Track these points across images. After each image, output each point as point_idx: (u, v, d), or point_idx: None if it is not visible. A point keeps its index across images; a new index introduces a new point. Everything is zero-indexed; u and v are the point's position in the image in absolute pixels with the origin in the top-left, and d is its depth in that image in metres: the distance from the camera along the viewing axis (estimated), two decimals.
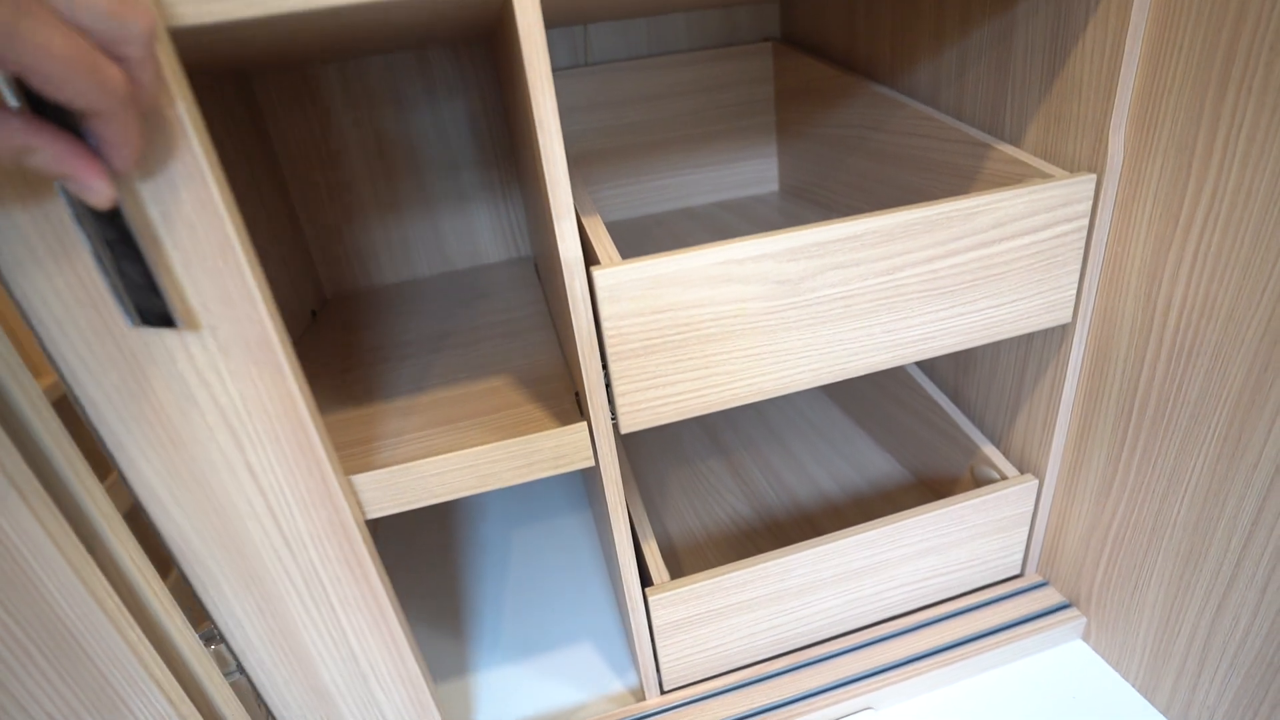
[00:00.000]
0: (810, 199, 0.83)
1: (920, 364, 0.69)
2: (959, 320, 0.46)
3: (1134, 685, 0.53)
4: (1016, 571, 0.61)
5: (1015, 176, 0.49)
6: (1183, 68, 0.40)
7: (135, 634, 0.40)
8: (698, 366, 0.41)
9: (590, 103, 0.82)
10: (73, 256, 0.31)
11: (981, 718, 0.53)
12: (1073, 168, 0.47)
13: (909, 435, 0.71)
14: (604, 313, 0.38)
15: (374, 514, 0.43)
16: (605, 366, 0.40)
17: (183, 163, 0.30)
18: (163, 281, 0.31)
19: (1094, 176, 0.45)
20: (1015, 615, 0.58)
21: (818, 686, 0.54)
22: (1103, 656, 0.56)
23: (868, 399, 0.78)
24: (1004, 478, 0.57)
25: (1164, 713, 0.51)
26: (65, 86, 0.23)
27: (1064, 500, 0.56)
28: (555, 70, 0.80)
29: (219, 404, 0.36)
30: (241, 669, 0.45)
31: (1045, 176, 0.46)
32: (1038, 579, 0.61)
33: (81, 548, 0.37)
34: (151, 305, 0.32)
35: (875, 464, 0.75)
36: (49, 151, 0.25)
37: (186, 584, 0.41)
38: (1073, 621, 0.57)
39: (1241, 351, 0.40)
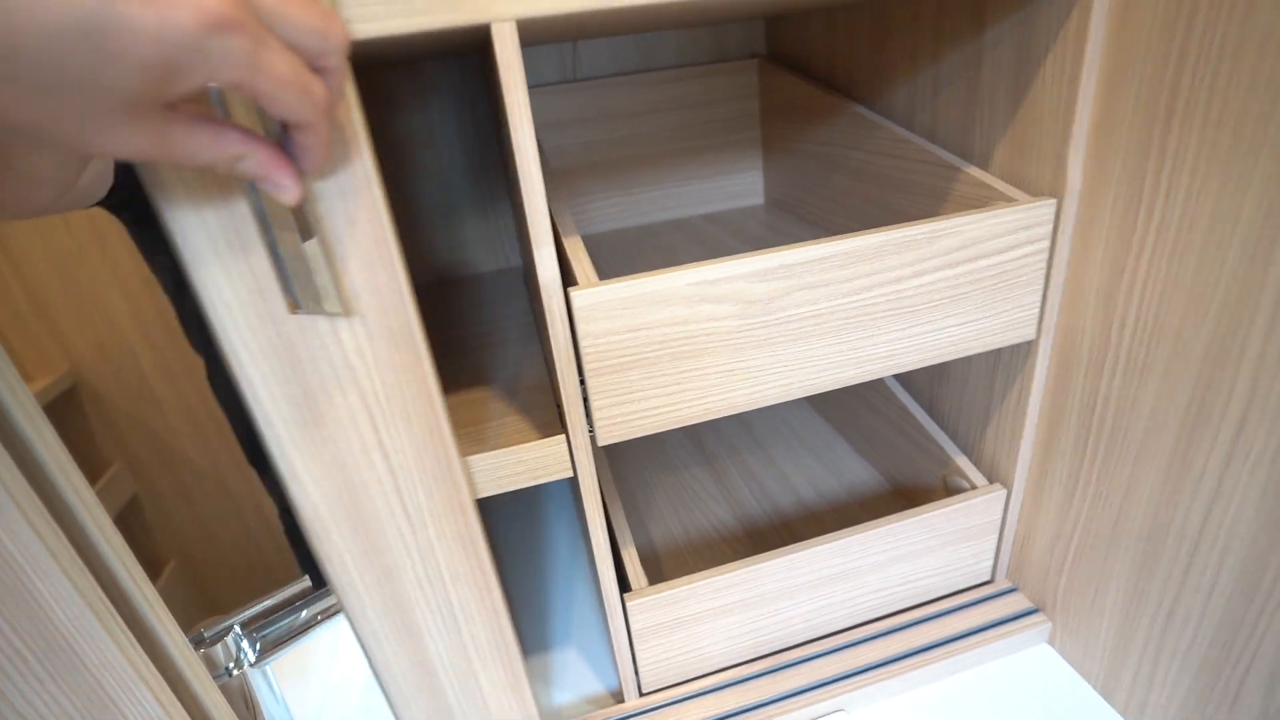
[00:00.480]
0: (794, 213, 0.85)
1: (897, 376, 0.71)
2: (926, 338, 0.48)
3: (1094, 686, 0.55)
4: (987, 578, 0.63)
5: (982, 199, 0.51)
6: (1133, 103, 0.42)
7: (127, 638, 0.41)
8: (672, 382, 0.43)
9: (579, 117, 0.84)
10: (248, 250, 0.34)
11: (950, 719, 0.55)
12: (1035, 192, 0.49)
13: (886, 445, 0.73)
14: (581, 331, 0.40)
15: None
16: (583, 381, 0.42)
17: (350, 164, 0.33)
18: (338, 268, 0.35)
19: (1054, 201, 0.47)
20: (984, 620, 0.60)
21: (792, 689, 0.56)
22: (1066, 659, 0.58)
23: (848, 409, 0.80)
24: (974, 487, 0.59)
25: (1121, 713, 0.53)
26: (287, 104, 0.26)
27: (1031, 509, 0.58)
28: (544, 85, 0.82)
29: (360, 386, 0.38)
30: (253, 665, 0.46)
31: (1009, 200, 0.48)
32: (1007, 585, 0.63)
33: (74, 553, 0.38)
34: (306, 294, 0.35)
35: (854, 472, 0.77)
36: (256, 158, 0.28)
37: (315, 558, 0.43)
38: (1038, 626, 0.59)
39: (1188, 370, 0.42)
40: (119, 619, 0.41)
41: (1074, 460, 0.53)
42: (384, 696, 0.49)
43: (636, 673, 0.56)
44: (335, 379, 0.38)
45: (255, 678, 0.52)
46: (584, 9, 0.35)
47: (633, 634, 0.53)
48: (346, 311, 0.36)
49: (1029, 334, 0.51)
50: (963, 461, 0.61)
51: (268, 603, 0.54)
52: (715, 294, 0.41)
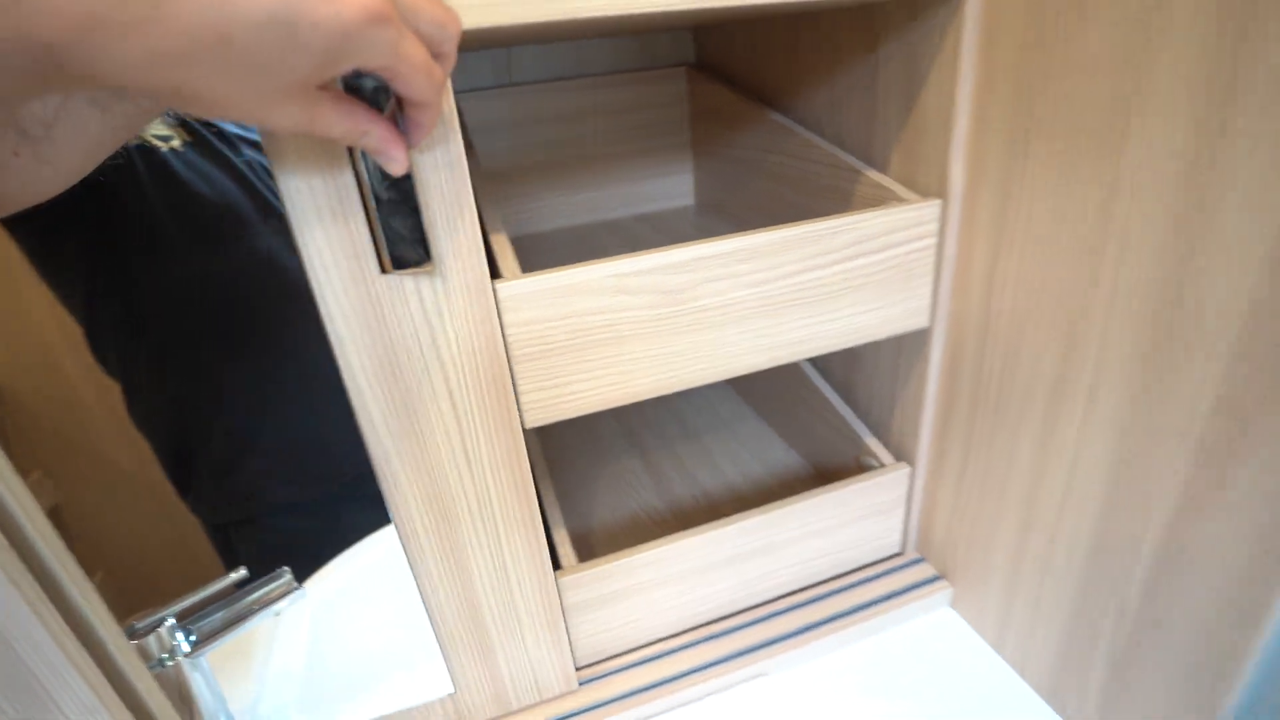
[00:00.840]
0: (722, 214, 0.90)
1: (816, 364, 0.76)
2: (828, 325, 0.52)
3: (988, 641, 0.61)
4: (897, 550, 0.69)
5: (880, 199, 0.56)
6: (1000, 115, 0.47)
7: (60, 626, 0.42)
8: (593, 368, 0.46)
9: (514, 120, 0.86)
10: (347, 215, 0.38)
11: (863, 678, 0.59)
12: (925, 193, 0.54)
13: (807, 430, 0.78)
14: (506, 320, 0.42)
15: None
16: (510, 368, 0.45)
17: (446, 141, 0.38)
18: (429, 232, 0.39)
19: (939, 202, 0.52)
20: (893, 588, 0.65)
21: (717, 657, 0.60)
22: (966, 620, 0.63)
23: (773, 397, 0.85)
24: (883, 466, 0.64)
25: (1010, 663, 0.58)
26: (417, 85, 0.30)
27: (933, 484, 0.64)
28: (480, 89, 0.84)
29: (436, 341, 0.42)
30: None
31: (901, 200, 0.53)
32: (915, 556, 0.68)
33: (6, 543, 0.39)
34: (404, 254, 0.39)
35: (779, 457, 0.82)
36: (377, 133, 0.32)
37: (383, 504, 0.46)
38: (942, 591, 0.64)
39: (1049, 350, 0.47)
40: (52, 608, 0.42)
41: (966, 437, 0.58)
42: (436, 641, 0.53)
43: (571, 649, 0.58)
44: (414, 333, 0.42)
45: (190, 668, 0.53)
46: (524, 21, 0.38)
47: (564, 610, 0.56)
48: (431, 270, 0.40)
49: (923, 322, 0.56)
50: (873, 442, 0.66)
51: (204, 594, 0.55)
52: (631, 285, 0.45)
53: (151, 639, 0.51)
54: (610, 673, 0.59)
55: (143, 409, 0.88)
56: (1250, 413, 0.36)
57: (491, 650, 0.55)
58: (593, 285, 0.43)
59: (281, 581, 0.58)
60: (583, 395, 0.47)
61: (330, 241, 0.38)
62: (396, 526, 0.47)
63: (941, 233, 0.53)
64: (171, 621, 0.52)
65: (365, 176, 0.36)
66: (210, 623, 0.54)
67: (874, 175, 0.57)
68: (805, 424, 0.78)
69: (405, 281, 0.40)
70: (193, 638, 0.53)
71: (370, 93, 0.33)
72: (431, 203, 0.39)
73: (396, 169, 0.34)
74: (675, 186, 0.97)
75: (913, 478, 0.64)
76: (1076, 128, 0.42)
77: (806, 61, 0.66)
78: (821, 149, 0.63)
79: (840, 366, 0.72)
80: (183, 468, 0.92)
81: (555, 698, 0.59)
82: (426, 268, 0.40)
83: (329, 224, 0.37)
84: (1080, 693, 0.52)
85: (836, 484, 0.61)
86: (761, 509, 0.59)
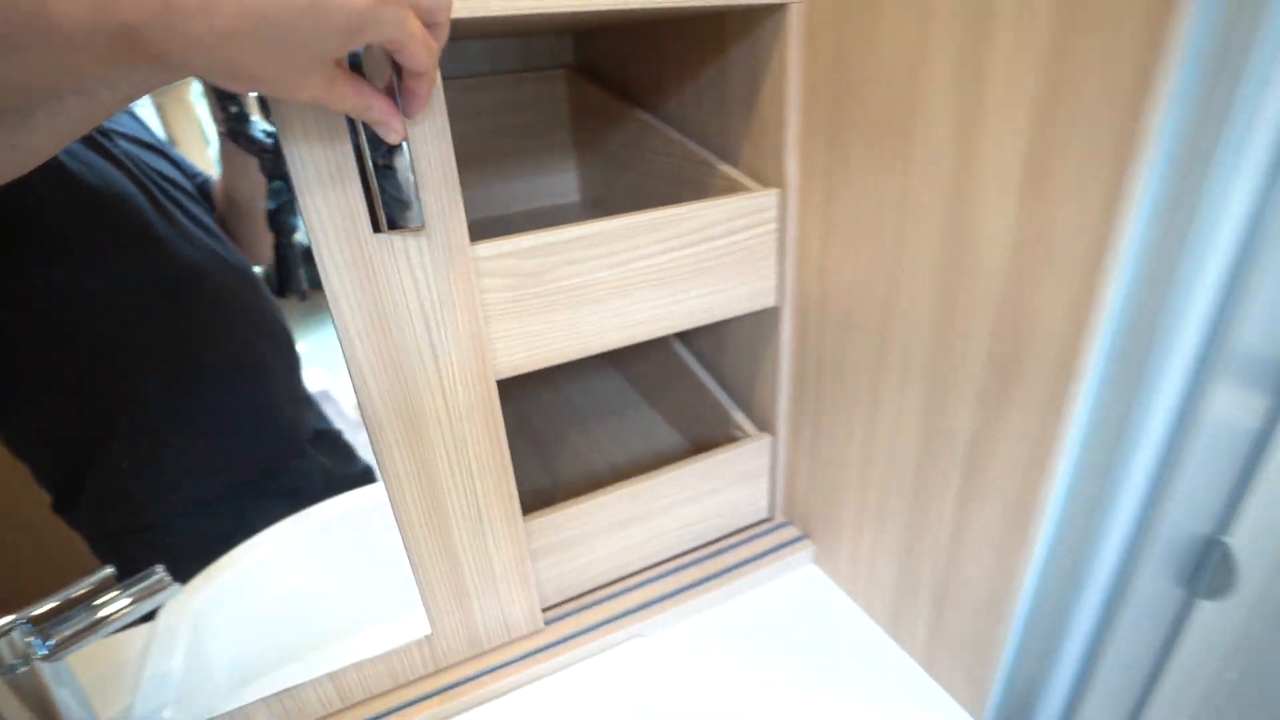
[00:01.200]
0: (604, 209, 0.94)
1: (689, 346, 0.81)
2: (681, 304, 0.57)
3: (843, 589, 0.67)
4: (765, 515, 0.74)
5: (731, 190, 0.61)
6: (821, 115, 0.53)
7: None
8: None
9: None
10: (343, 180, 0.42)
11: (734, 632, 0.64)
12: (767, 184, 0.60)
13: (685, 409, 0.83)
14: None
15: None
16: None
17: (433, 110, 0.42)
18: (420, 195, 0.43)
19: (776, 192, 0.57)
20: (761, 550, 0.71)
21: (597, 621, 0.63)
22: (826, 573, 0.70)
23: (655, 381, 0.90)
24: (747, 437, 0.70)
25: (861, 605, 0.65)
26: (418, 55, 0.34)
27: (793, 452, 0.70)
28: None
29: (420, 295, 0.47)
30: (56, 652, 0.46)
31: (746, 190, 0.59)
32: (782, 520, 0.75)
33: None
34: (396, 215, 0.43)
35: (662, 437, 0.86)
36: (380, 105, 0.36)
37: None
38: (805, 550, 0.70)
39: (871, 322, 0.54)
40: None
41: (815, 406, 0.64)
42: (415, 583, 0.56)
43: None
44: (401, 288, 0.46)
45: (49, 674, 0.52)
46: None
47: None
48: (418, 231, 0.44)
49: (771, 301, 0.61)
50: (740, 417, 0.72)
51: (66, 596, 0.53)
52: (490, 269, 0.47)
53: (3, 644, 0.49)
54: (493, 648, 0.62)
55: (15, 430, 0.83)
56: (1009, 365, 0.43)
57: (466, 592, 0.58)
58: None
59: (152, 580, 0.57)
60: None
61: (329, 202, 0.42)
62: (382, 473, 0.51)
63: (782, 219, 0.59)
64: (25, 625, 0.50)
65: (364, 145, 0.40)
66: (70, 625, 0.52)
67: (726, 168, 0.62)
68: (683, 404, 0.83)
69: (395, 240, 0.44)
70: (51, 642, 0.51)
71: (369, 68, 0.38)
72: (422, 169, 0.43)
73: (394, 137, 0.39)
74: (561, 183, 1.00)
75: (774, 446, 0.70)
76: (878, 126, 0.48)
77: (672, 65, 0.71)
78: (683, 145, 0.68)
79: (710, 348, 0.77)
80: (72, 479, 0.87)
81: (524, 636, 0.63)
82: (416, 228, 0.44)
83: (327, 186, 0.42)
84: (912, 627, 0.59)
85: (702, 455, 0.66)
86: (639, 478, 0.64)
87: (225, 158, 0.53)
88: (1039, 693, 0.54)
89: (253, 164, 0.54)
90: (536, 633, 0.63)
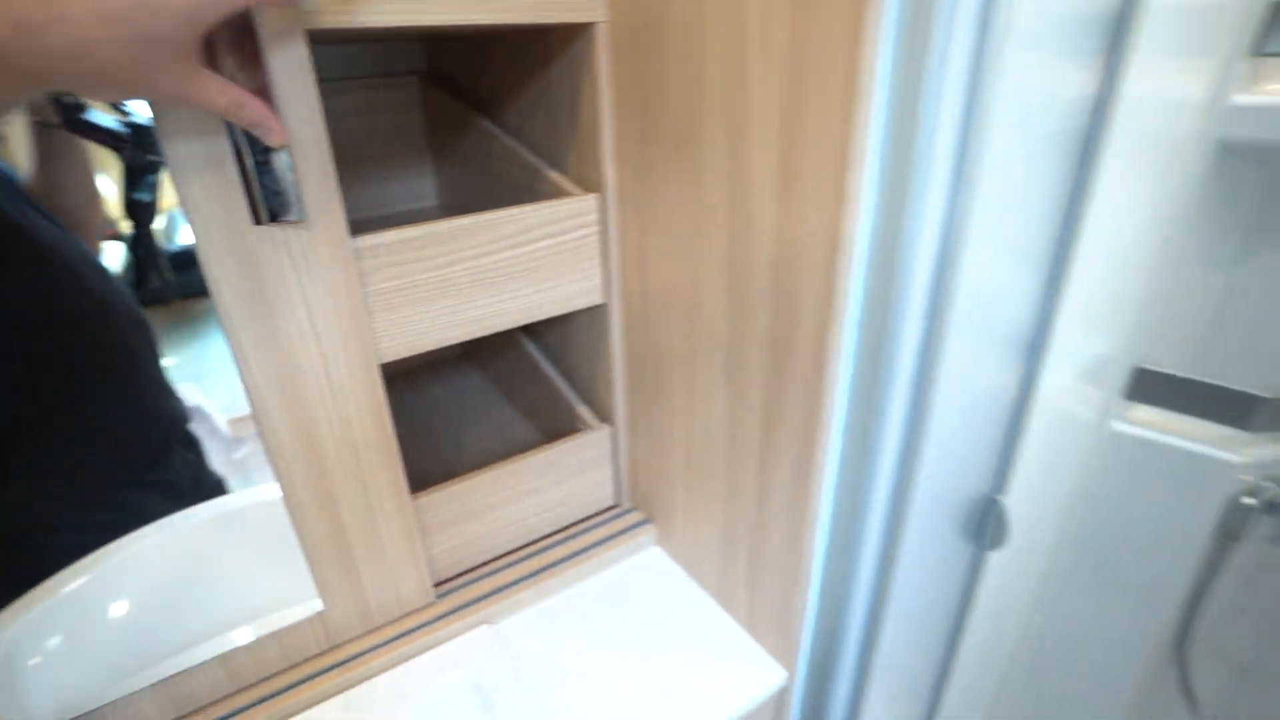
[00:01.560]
0: (460, 213, 0.95)
1: (538, 344, 0.84)
2: (510, 303, 0.60)
3: (681, 566, 0.72)
4: (610, 503, 0.78)
5: (558, 195, 0.65)
6: (632, 123, 0.58)
7: None
8: None
9: None
10: (222, 174, 0.43)
11: (583, 611, 0.68)
12: (590, 189, 0.64)
13: (539, 405, 0.86)
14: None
15: None
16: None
17: (309, 106, 0.45)
18: (299, 189, 0.45)
19: (596, 196, 0.62)
20: (606, 535, 0.75)
21: (444, 611, 0.65)
22: (667, 553, 0.75)
23: (511, 379, 0.92)
24: (589, 428, 0.74)
25: (696, 580, 0.70)
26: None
27: (632, 440, 0.74)
28: None
29: (303, 285, 0.49)
30: None
31: (569, 195, 0.63)
32: (628, 506, 0.79)
33: None
34: (276, 208, 0.44)
35: (520, 434, 0.89)
36: (253, 106, 0.39)
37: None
38: (648, 533, 0.75)
39: (682, 319, 0.59)
40: None
41: (647, 396, 0.69)
42: (306, 565, 0.57)
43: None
44: (282, 278, 0.48)
45: None
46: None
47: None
48: (299, 223, 0.46)
49: (599, 298, 0.66)
50: (583, 410, 0.76)
51: None
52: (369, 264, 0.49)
53: None
54: (356, 637, 0.62)
55: None
56: (784, 345, 0.49)
57: (356, 567, 0.60)
58: None
59: None
60: None
61: (209, 196, 0.43)
62: (269, 456, 0.52)
63: (604, 221, 0.63)
64: None
65: (240, 142, 0.42)
66: None
67: (554, 175, 0.66)
68: (535, 401, 0.86)
69: (275, 233, 0.46)
70: None
71: (236, 68, 0.40)
72: (300, 163, 0.45)
73: (275, 139, 0.41)
74: (420, 189, 1.01)
75: (615, 436, 0.74)
76: (675, 137, 0.53)
77: (510, 76, 0.74)
78: (516, 153, 0.71)
79: (557, 345, 0.81)
80: None
81: (416, 609, 0.65)
82: (297, 221, 0.46)
83: (208, 181, 0.43)
84: (736, 594, 0.65)
85: (544, 447, 0.70)
86: (484, 470, 0.66)
87: (49, 149, 0.51)
88: (839, 644, 0.61)
89: (77, 151, 0.53)
90: (429, 605, 0.65)
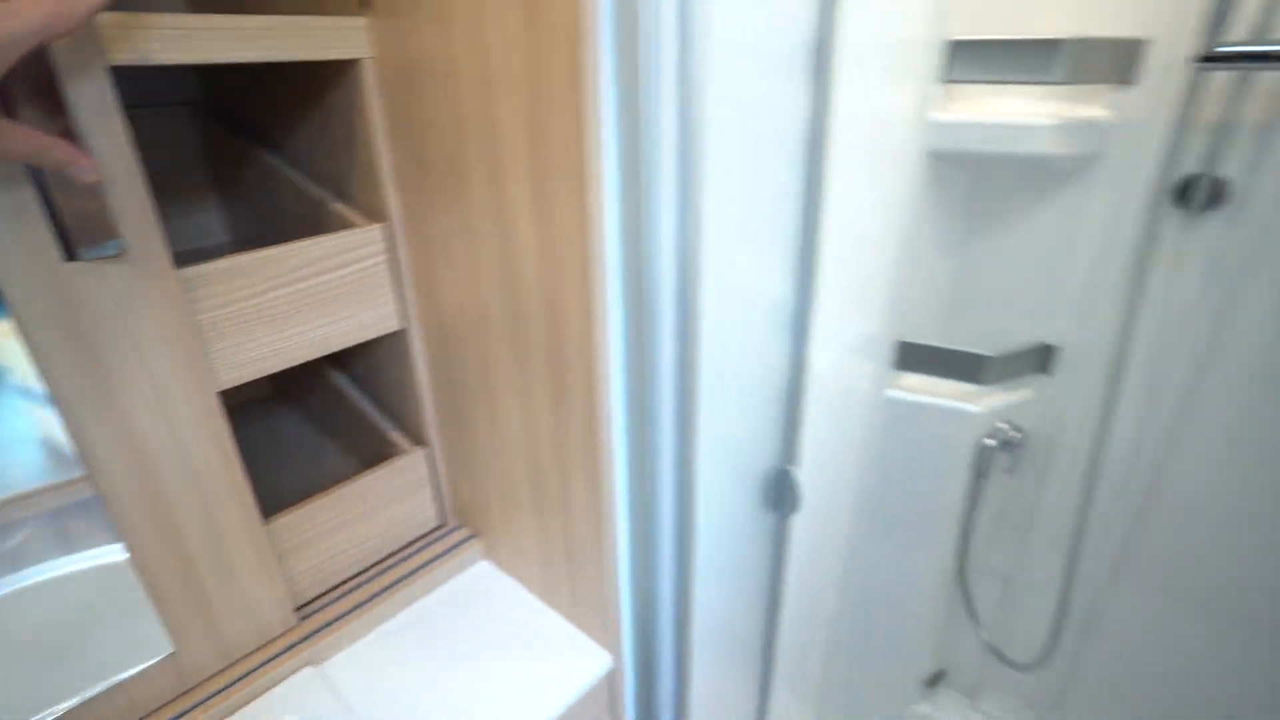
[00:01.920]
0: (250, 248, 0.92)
1: (348, 375, 0.83)
2: (302, 336, 0.60)
3: (508, 573, 0.75)
4: (436, 524, 0.80)
5: (343, 226, 0.66)
6: (407, 156, 0.60)
7: None
8: None
9: None
10: (26, 215, 0.42)
11: (419, 634, 0.69)
12: (377, 219, 0.65)
13: (353, 437, 0.85)
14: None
15: None
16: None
17: (118, 140, 0.45)
18: (115, 222, 0.44)
19: (381, 225, 0.63)
20: (433, 555, 0.76)
21: (266, 658, 0.63)
22: (496, 565, 0.77)
23: (328, 415, 0.90)
24: (402, 453, 0.75)
25: (523, 583, 0.73)
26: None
27: (449, 461, 0.76)
28: None
29: (128, 320, 0.48)
30: None
31: (353, 226, 0.63)
32: (454, 525, 0.80)
33: None
34: (88, 241, 0.43)
35: (337, 468, 0.87)
36: (60, 148, 0.38)
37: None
38: (475, 548, 0.77)
39: (476, 339, 0.62)
40: None
41: (458, 415, 0.71)
42: (149, 601, 0.54)
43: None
44: (106, 316, 0.47)
45: None
46: None
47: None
48: (118, 259, 0.45)
49: (396, 325, 0.67)
50: (396, 436, 0.76)
51: None
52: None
53: None
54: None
55: None
56: (558, 354, 0.54)
57: (209, 603, 0.58)
58: None
59: None
60: None
61: (17, 239, 0.42)
62: (101, 494, 0.49)
63: (393, 250, 0.65)
64: None
65: (45, 179, 0.40)
66: None
67: (339, 206, 0.66)
68: (350, 432, 0.85)
69: (94, 267, 0.45)
70: None
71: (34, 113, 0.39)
72: (116, 196, 0.45)
73: (89, 176, 0.40)
74: (209, 224, 0.96)
75: (431, 458, 0.76)
76: (446, 167, 0.56)
77: (289, 107, 0.73)
78: (301, 186, 0.71)
79: (366, 375, 0.81)
80: None
81: (278, 636, 0.64)
82: (116, 255, 0.45)
83: (13, 225, 0.41)
84: (558, 591, 0.69)
85: (358, 475, 0.70)
86: (296, 506, 0.65)
87: None
88: (655, 621, 0.67)
89: None
90: (290, 630, 0.65)
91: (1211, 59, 0.73)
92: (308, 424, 0.97)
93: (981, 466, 1.04)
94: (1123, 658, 1.08)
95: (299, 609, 0.68)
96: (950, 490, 1.06)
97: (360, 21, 0.56)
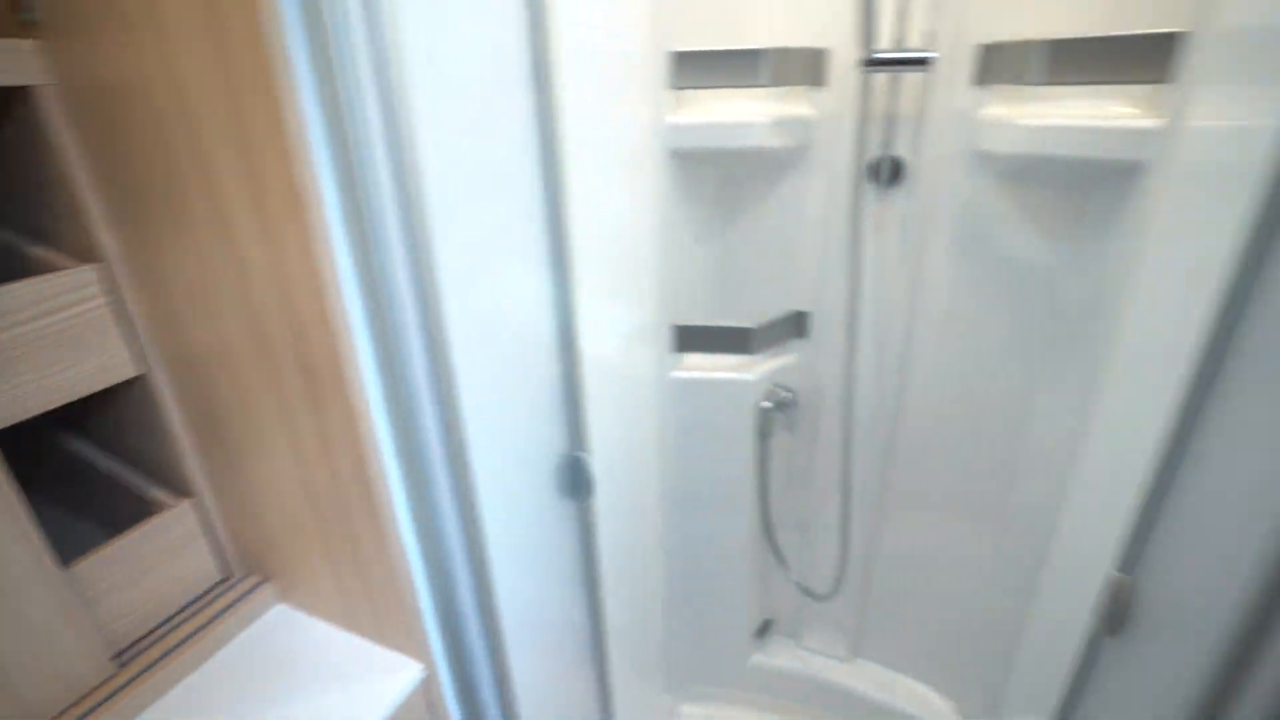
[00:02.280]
0: None
1: (88, 441, 0.75)
2: (16, 392, 0.53)
3: (308, 613, 0.72)
4: (220, 576, 0.74)
5: (46, 271, 0.60)
6: (116, 189, 0.56)
7: None
8: None
9: None
10: None
11: (220, 691, 0.64)
12: (88, 259, 0.60)
13: (111, 505, 0.77)
14: None
15: None
16: None
17: None
18: None
19: (96, 265, 0.58)
20: (222, 606, 0.71)
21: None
22: (293, 606, 0.74)
23: (76, 489, 0.80)
24: (163, 509, 0.69)
25: (325, 619, 0.71)
26: None
27: (225, 508, 0.72)
28: None
29: None
30: None
31: (56, 270, 0.58)
32: (240, 574, 0.75)
33: None
34: None
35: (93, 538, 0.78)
36: None
37: None
38: (268, 592, 0.73)
39: (236, 372, 0.59)
40: None
41: (230, 458, 0.67)
42: None
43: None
44: None
45: None
46: None
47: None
48: None
49: (131, 371, 0.62)
50: (156, 492, 0.70)
51: None
52: None
53: None
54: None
55: None
56: (313, 371, 0.54)
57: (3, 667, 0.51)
58: None
59: None
60: None
61: None
62: None
63: (115, 291, 0.60)
64: None
65: None
66: None
67: (38, 250, 0.60)
68: (104, 501, 0.76)
69: None
70: None
71: None
72: None
73: None
74: None
75: (202, 509, 0.71)
76: (162, 198, 0.54)
77: None
78: None
79: (111, 433, 0.73)
80: None
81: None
82: None
83: None
84: (360, 617, 0.67)
85: (120, 536, 0.63)
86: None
87: None
88: (461, 624, 0.68)
89: None
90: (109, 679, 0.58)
91: (870, 63, 0.89)
92: (50, 507, 0.85)
93: (764, 428, 1.16)
94: (900, 572, 1.26)
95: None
96: (742, 455, 1.18)
97: (25, 44, 0.52)
